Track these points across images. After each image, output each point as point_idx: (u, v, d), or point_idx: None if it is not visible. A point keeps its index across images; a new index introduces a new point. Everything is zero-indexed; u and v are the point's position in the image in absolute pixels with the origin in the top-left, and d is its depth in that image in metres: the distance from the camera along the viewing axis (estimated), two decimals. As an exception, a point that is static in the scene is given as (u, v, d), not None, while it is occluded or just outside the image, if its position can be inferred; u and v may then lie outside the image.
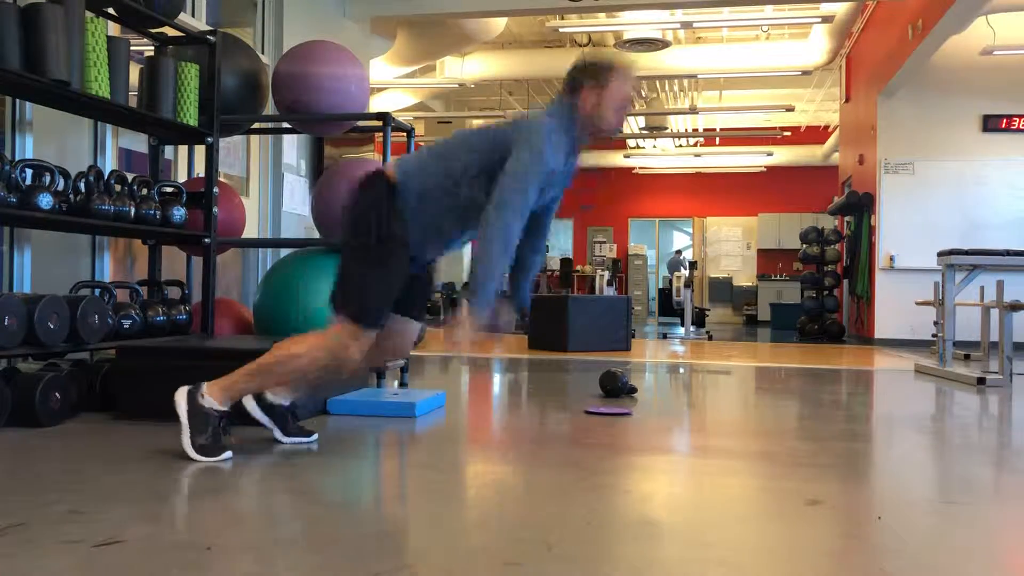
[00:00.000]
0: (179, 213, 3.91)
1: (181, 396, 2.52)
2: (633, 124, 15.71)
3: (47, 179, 3.30)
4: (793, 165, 17.04)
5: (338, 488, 2.25)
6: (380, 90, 11.89)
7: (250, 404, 2.72)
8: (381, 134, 4.35)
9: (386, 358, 2.83)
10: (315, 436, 2.88)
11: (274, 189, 5.95)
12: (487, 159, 2.50)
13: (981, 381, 5.21)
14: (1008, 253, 5.84)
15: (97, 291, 3.72)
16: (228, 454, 2.52)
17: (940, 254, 5.96)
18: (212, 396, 2.52)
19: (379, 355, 2.78)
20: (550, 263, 16.32)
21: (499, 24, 9.49)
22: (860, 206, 10.17)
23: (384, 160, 4.30)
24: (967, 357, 7.20)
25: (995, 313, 6.61)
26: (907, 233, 9.61)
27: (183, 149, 4.99)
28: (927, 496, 2.27)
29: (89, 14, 3.43)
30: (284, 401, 2.79)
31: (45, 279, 3.78)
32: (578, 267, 17.40)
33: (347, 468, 2.52)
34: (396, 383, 4.55)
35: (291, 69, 4.39)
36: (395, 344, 2.78)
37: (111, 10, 3.76)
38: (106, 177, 3.57)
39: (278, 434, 2.81)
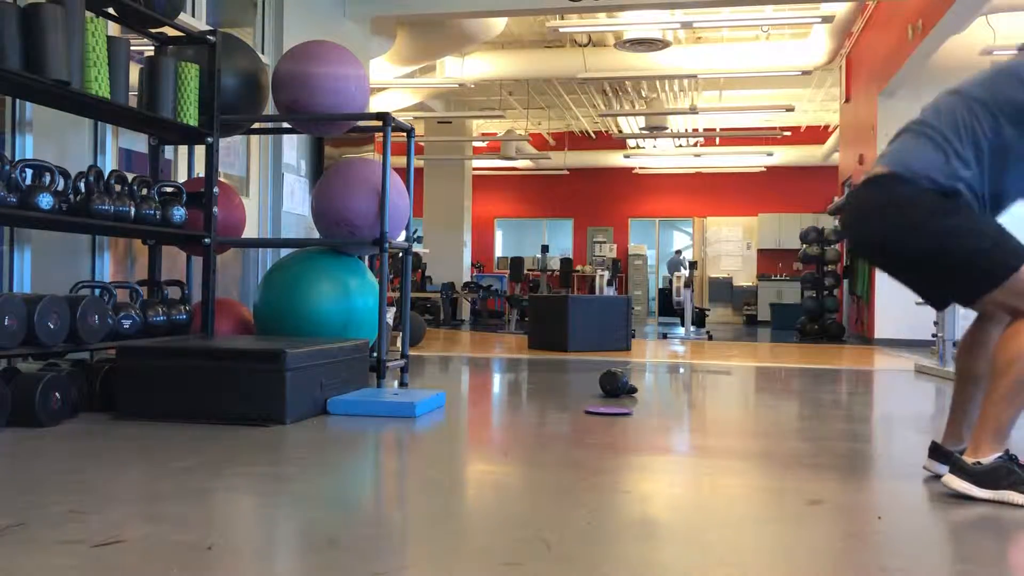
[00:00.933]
0: (179, 213, 3.91)
1: (959, 484, 2.17)
2: (633, 124, 15.71)
3: (47, 179, 3.30)
4: (793, 165, 17.04)
5: (338, 488, 2.25)
6: (380, 90, 11.89)
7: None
8: (381, 134, 4.35)
9: None
10: None
11: (274, 189, 5.95)
12: None
13: (981, 381, 5.20)
14: (1008, 253, 5.83)
15: (97, 291, 3.72)
16: None
17: (940, 254, 5.95)
18: (983, 454, 2.17)
19: None
20: (550, 263, 16.33)
21: (499, 24, 9.49)
22: (860, 206, 10.15)
23: (384, 160, 4.30)
24: (967, 357, 7.18)
25: (995, 313, 6.59)
26: (907, 233, 9.58)
27: (183, 149, 4.99)
28: (927, 496, 2.27)
29: (89, 14, 3.43)
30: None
31: (45, 279, 3.78)
32: (578, 267, 17.40)
33: (347, 468, 2.52)
34: (396, 383, 4.55)
35: (291, 69, 4.39)
36: None
37: (111, 10, 3.76)
38: (106, 177, 3.57)
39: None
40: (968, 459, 2.20)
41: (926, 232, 2.27)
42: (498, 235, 19.60)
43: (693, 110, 12.93)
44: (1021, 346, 2.16)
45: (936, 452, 2.48)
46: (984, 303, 2.28)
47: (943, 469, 2.34)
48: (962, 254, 2.24)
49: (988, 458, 2.17)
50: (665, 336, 11.09)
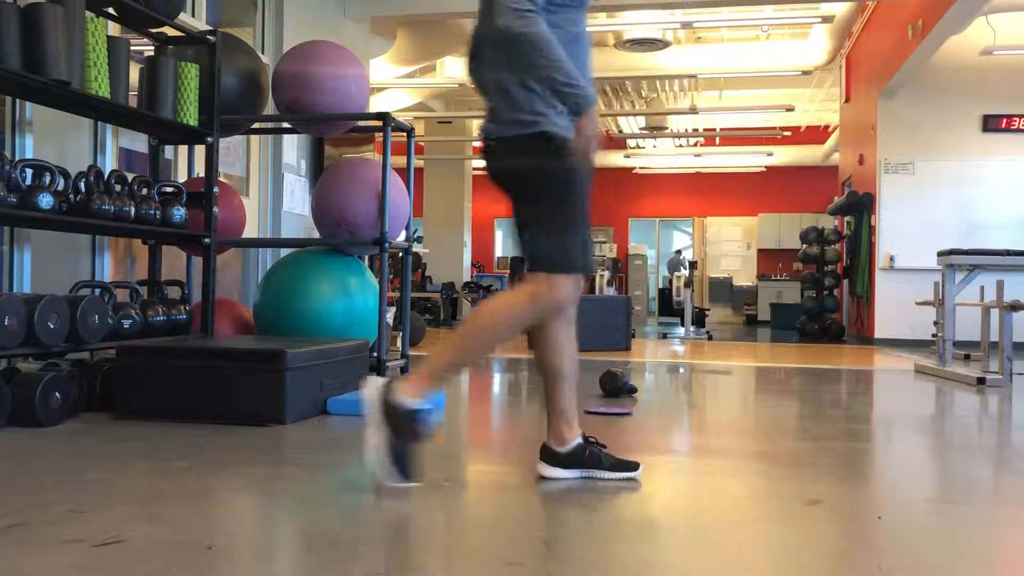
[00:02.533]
0: (179, 213, 3.91)
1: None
2: (633, 124, 15.70)
3: (47, 179, 3.30)
4: (793, 165, 17.03)
5: (338, 488, 2.25)
6: (380, 90, 11.88)
7: (550, 471, 2.32)
8: (381, 134, 4.35)
9: None
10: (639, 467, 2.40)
11: (274, 189, 5.95)
12: None
13: (981, 381, 5.21)
14: (1008, 253, 5.84)
15: (97, 291, 3.72)
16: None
17: (940, 254, 5.96)
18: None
19: None
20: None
21: (499, 24, 9.47)
22: (860, 206, 10.17)
23: (384, 160, 4.30)
24: (967, 357, 7.20)
25: (995, 313, 6.61)
26: (907, 233, 9.60)
27: (183, 149, 4.99)
28: (927, 496, 2.27)
29: (89, 14, 3.43)
30: (578, 440, 2.35)
31: (45, 279, 3.78)
32: (578, 267, 17.35)
33: (347, 468, 2.52)
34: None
35: (291, 69, 4.39)
36: None
37: (111, 10, 3.76)
38: (106, 177, 3.57)
39: (600, 474, 2.35)
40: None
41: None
42: (498, 235, 19.59)
43: (693, 110, 12.93)
44: (501, 306, 2.17)
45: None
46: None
47: (557, 472, 2.31)
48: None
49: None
50: (665, 336, 11.09)
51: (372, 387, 2.13)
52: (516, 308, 2.18)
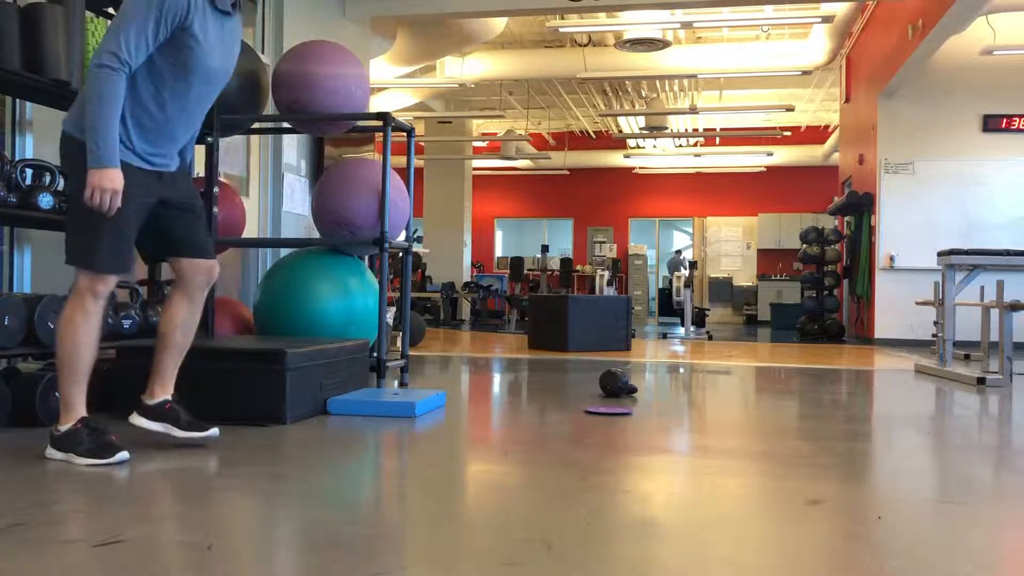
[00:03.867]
0: (179, 213, 3.90)
1: (48, 450, 2.50)
2: (633, 124, 15.71)
3: (47, 179, 3.30)
4: (793, 165, 17.04)
5: (338, 488, 2.25)
6: (380, 90, 11.89)
7: (138, 420, 2.71)
8: (381, 134, 4.35)
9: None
10: (214, 430, 2.73)
11: (274, 189, 5.95)
12: None
13: (981, 381, 5.21)
14: (1008, 253, 5.84)
15: (97, 291, 3.71)
16: (123, 454, 2.45)
17: (940, 254, 5.96)
18: (62, 422, 2.48)
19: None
20: (550, 263, 16.32)
21: (499, 24, 9.49)
22: (860, 206, 10.17)
23: (384, 160, 4.30)
24: (967, 357, 7.19)
25: (995, 313, 6.60)
26: (907, 233, 9.60)
27: (183, 149, 4.98)
28: (927, 496, 2.27)
29: (89, 14, 3.43)
30: (164, 398, 2.73)
31: (45, 279, 3.77)
32: (578, 267, 17.39)
33: (347, 468, 2.52)
34: (396, 383, 4.55)
35: (291, 69, 4.38)
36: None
37: (111, 10, 3.76)
38: (106, 177, 3.57)
39: (175, 432, 2.69)
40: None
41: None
42: (498, 235, 19.59)
43: (693, 110, 12.93)
44: (63, 323, 2.46)
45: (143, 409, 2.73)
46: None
47: (154, 425, 2.70)
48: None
49: (66, 425, 2.46)
50: (665, 336, 11.09)
51: (49, 452, 2.49)
52: (70, 311, 2.47)
